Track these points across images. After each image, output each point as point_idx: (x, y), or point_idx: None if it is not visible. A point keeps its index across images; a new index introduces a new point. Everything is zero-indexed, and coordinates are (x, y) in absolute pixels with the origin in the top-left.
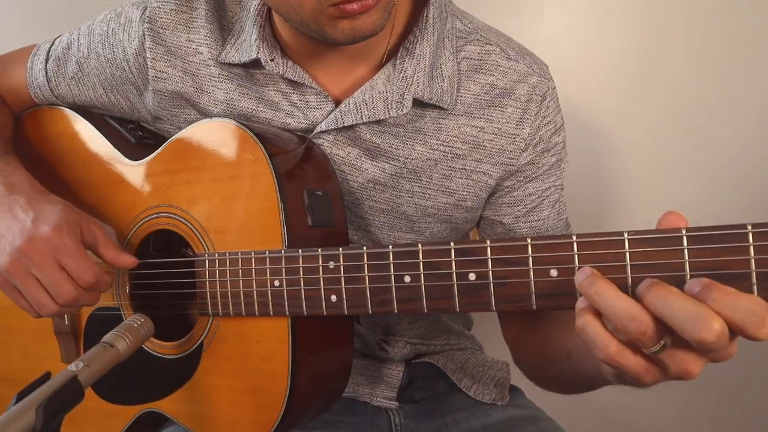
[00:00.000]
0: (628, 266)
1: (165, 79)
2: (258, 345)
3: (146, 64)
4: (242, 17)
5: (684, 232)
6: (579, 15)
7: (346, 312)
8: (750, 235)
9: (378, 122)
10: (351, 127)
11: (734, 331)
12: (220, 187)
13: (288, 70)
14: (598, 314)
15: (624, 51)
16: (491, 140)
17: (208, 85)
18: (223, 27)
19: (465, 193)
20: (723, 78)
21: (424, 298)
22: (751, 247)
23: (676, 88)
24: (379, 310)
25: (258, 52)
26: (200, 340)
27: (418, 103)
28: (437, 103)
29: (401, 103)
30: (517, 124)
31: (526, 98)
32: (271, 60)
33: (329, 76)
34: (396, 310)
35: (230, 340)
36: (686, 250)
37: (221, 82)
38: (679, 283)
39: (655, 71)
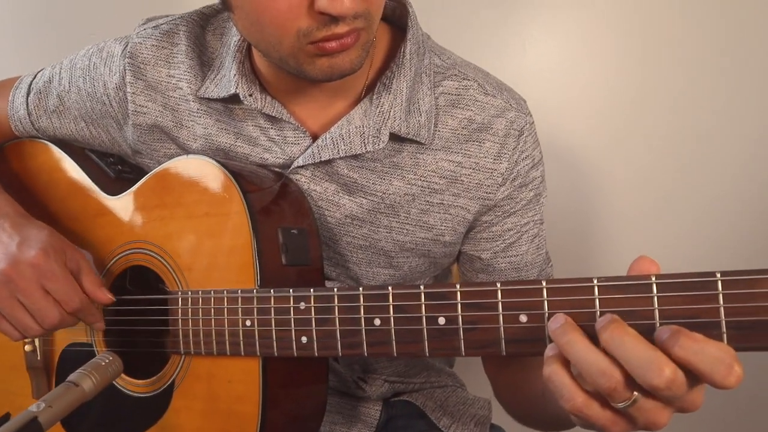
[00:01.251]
0: (598, 313)
1: (144, 113)
2: (229, 385)
3: (126, 98)
4: (222, 53)
5: (654, 279)
6: (561, 50)
7: (316, 354)
8: (719, 283)
9: (355, 157)
10: (328, 162)
11: (701, 378)
12: (194, 224)
13: (266, 105)
14: (566, 363)
15: (608, 85)
16: (469, 175)
17: (188, 120)
18: (204, 63)
19: (443, 227)
20: (711, 113)
21: (394, 342)
22: (720, 296)
23: (661, 123)
24: (349, 353)
25: (237, 88)
26: (172, 379)
27: (395, 137)
28: (414, 138)
29: (378, 137)
30: (494, 159)
31: (504, 133)
32: (250, 95)
33: (307, 111)
34: (366, 353)
35: (202, 380)
36: (656, 298)
37: (200, 117)
38: (649, 331)
39: (641, 106)
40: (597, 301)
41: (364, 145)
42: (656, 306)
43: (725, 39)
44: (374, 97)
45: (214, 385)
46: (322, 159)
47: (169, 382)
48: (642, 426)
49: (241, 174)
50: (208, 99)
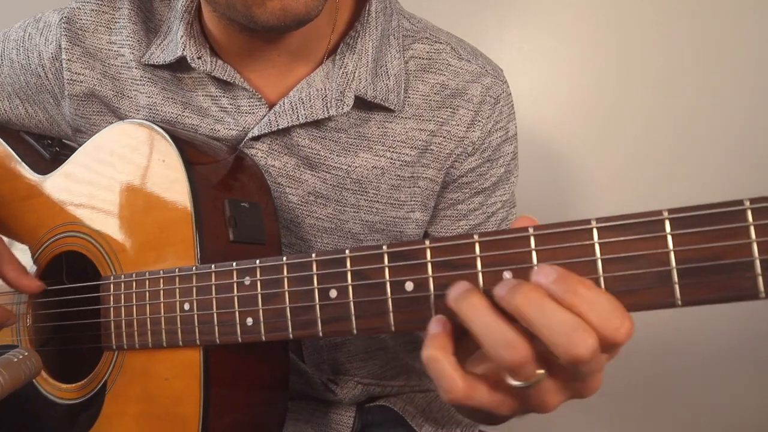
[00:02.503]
0: (599, 261)
1: (81, 81)
2: (166, 384)
3: (62, 66)
4: (170, 17)
5: (666, 214)
6: (539, 40)
7: (263, 337)
8: (749, 213)
9: (317, 127)
10: (287, 132)
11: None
12: (130, 198)
13: (217, 68)
14: (449, 347)
15: (587, 75)
16: (440, 143)
17: (130, 89)
18: (149, 29)
19: (413, 203)
20: (691, 114)
21: (353, 317)
22: (752, 228)
23: (640, 115)
24: (302, 334)
25: (184, 50)
26: (104, 380)
27: (361, 104)
28: (382, 103)
29: (342, 100)
30: (467, 127)
31: (479, 99)
32: (198, 58)
33: (264, 78)
34: (320, 333)
35: (136, 379)
36: (669, 237)
37: (144, 85)
38: (664, 279)
39: (619, 96)
40: (597, 246)
41: (327, 109)
42: (671, 247)
43: (704, 41)
44: (337, 57)
45: (150, 384)
46: (280, 126)
47: (100, 385)
48: (531, 408)
49: (185, 141)
50: (153, 66)
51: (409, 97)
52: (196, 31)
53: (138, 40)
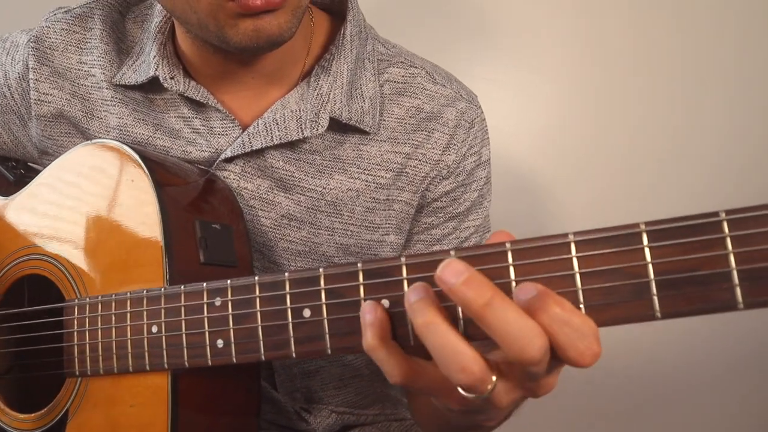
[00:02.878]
0: (577, 275)
1: (49, 102)
2: (132, 411)
3: (29, 87)
4: (142, 38)
5: (643, 227)
6: (512, 70)
7: (234, 360)
8: (724, 224)
9: (292, 148)
10: (261, 154)
11: (556, 351)
12: (97, 219)
13: (190, 89)
14: (387, 332)
15: (561, 104)
16: (415, 167)
17: (100, 110)
18: (121, 50)
19: (388, 226)
20: (667, 136)
21: (327, 336)
22: (728, 239)
23: (616, 144)
24: (274, 355)
25: (156, 70)
26: (65, 409)
27: (336, 126)
28: (357, 125)
29: (316, 122)
30: (443, 151)
31: (455, 123)
32: (171, 78)
33: (238, 101)
34: (294, 354)
35: (100, 407)
36: (647, 249)
37: (114, 106)
38: (642, 292)
39: (594, 125)
40: (575, 261)
41: (301, 130)
42: (649, 260)
43: (678, 67)
44: (312, 80)
45: (115, 412)
46: (254, 148)
47: (61, 414)
48: (483, 406)
49: (155, 161)
50: (125, 87)
51: (384, 120)
52: (169, 51)
53: (110, 61)
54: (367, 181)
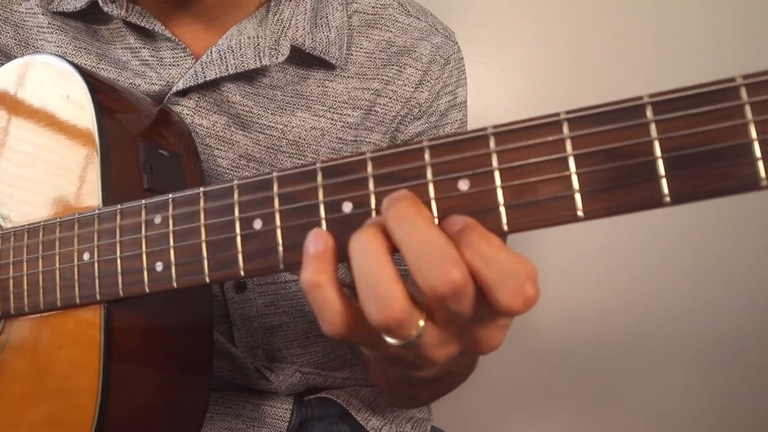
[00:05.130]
0: (570, 158)
1: None
2: (60, 353)
3: None
4: None
5: (646, 98)
6: (486, 45)
7: (174, 284)
8: (742, 90)
9: (250, 82)
10: (217, 87)
11: (485, 292)
12: (29, 141)
13: (134, 14)
14: (333, 269)
15: (535, 79)
16: (385, 105)
17: (36, 38)
18: None
19: None
20: None
21: (281, 248)
22: (747, 107)
23: None
24: (220, 276)
25: None
26: None
27: (299, 59)
28: (322, 55)
29: (276, 49)
30: (415, 88)
31: (429, 59)
32: (112, 1)
33: (191, 33)
34: (242, 272)
35: (24, 352)
36: (652, 125)
37: (52, 33)
38: (648, 173)
39: (567, 99)
40: (568, 142)
41: (259, 59)
42: (655, 135)
43: (654, 51)
44: (272, 4)
45: (41, 356)
46: (207, 78)
47: None
48: (413, 358)
49: (98, 80)
50: (64, 14)
51: (351, 55)
52: None
53: None
54: (333, 119)
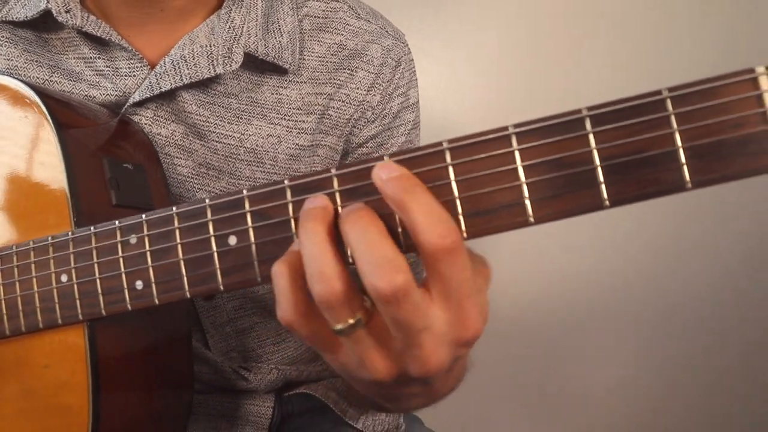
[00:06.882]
0: (520, 168)
1: None
2: (45, 372)
3: None
4: None
5: (585, 111)
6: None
7: (156, 300)
8: (668, 102)
9: (205, 91)
10: (173, 96)
11: (361, 274)
12: None
13: (89, 24)
14: (300, 267)
15: (491, 72)
16: (338, 108)
17: None
18: None
19: None
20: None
21: (256, 262)
22: (672, 117)
23: (547, 112)
24: (200, 291)
25: (48, 2)
26: None
27: (252, 65)
28: (275, 61)
29: (229, 57)
30: (367, 91)
31: (380, 61)
32: (66, 11)
33: (145, 39)
34: (221, 287)
35: (9, 374)
36: (591, 135)
37: (2, 46)
38: (589, 180)
39: (524, 93)
40: (517, 154)
41: (213, 67)
42: (593, 145)
43: (610, 41)
44: (222, 12)
45: (27, 376)
46: (163, 89)
47: None
48: (356, 361)
49: (54, 98)
50: (12, 24)
51: (304, 60)
52: None
53: None
54: (288, 126)
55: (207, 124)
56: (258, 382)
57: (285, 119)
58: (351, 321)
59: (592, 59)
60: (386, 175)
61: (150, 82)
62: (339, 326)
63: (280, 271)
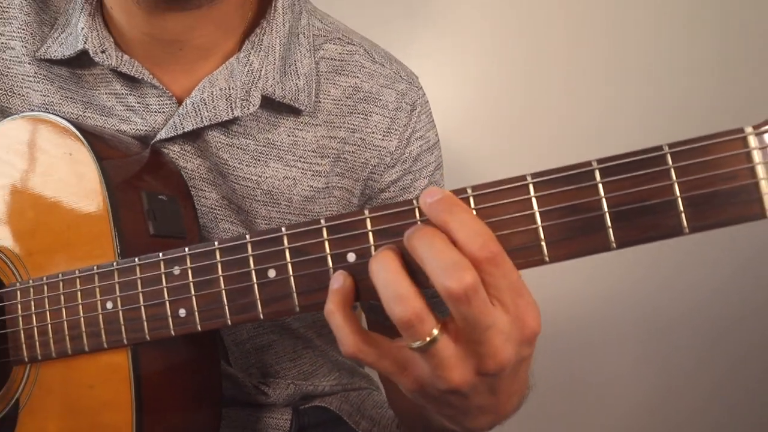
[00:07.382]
0: (537, 214)
1: None
2: (91, 392)
3: None
4: (68, 9)
5: (595, 164)
6: (447, 47)
7: (199, 327)
8: (668, 156)
9: (224, 131)
10: (198, 135)
11: (431, 278)
12: (33, 198)
13: (123, 63)
14: (348, 301)
15: (494, 81)
16: (353, 152)
17: (21, 87)
18: (44, 21)
19: (328, 214)
20: (598, 108)
21: (295, 294)
22: (672, 171)
23: (549, 119)
24: (241, 319)
25: (86, 42)
26: (16, 397)
27: (270, 107)
28: (292, 103)
29: (247, 100)
30: (383, 135)
31: (395, 106)
32: (102, 51)
33: (171, 77)
34: (261, 315)
35: (55, 391)
36: (600, 185)
37: (38, 82)
38: (598, 224)
39: (527, 100)
40: (534, 200)
41: (231, 110)
42: (602, 194)
43: (610, 44)
44: (241, 55)
45: (72, 394)
46: (186, 130)
47: (12, 402)
48: (434, 380)
49: (94, 134)
50: (49, 62)
51: (320, 102)
52: (99, 23)
53: (31, 33)
54: (303, 169)
55: (226, 167)
56: (276, 396)
57: (300, 161)
58: (429, 338)
59: (590, 64)
60: (431, 198)
61: (174, 123)
62: (417, 344)
63: (329, 311)
